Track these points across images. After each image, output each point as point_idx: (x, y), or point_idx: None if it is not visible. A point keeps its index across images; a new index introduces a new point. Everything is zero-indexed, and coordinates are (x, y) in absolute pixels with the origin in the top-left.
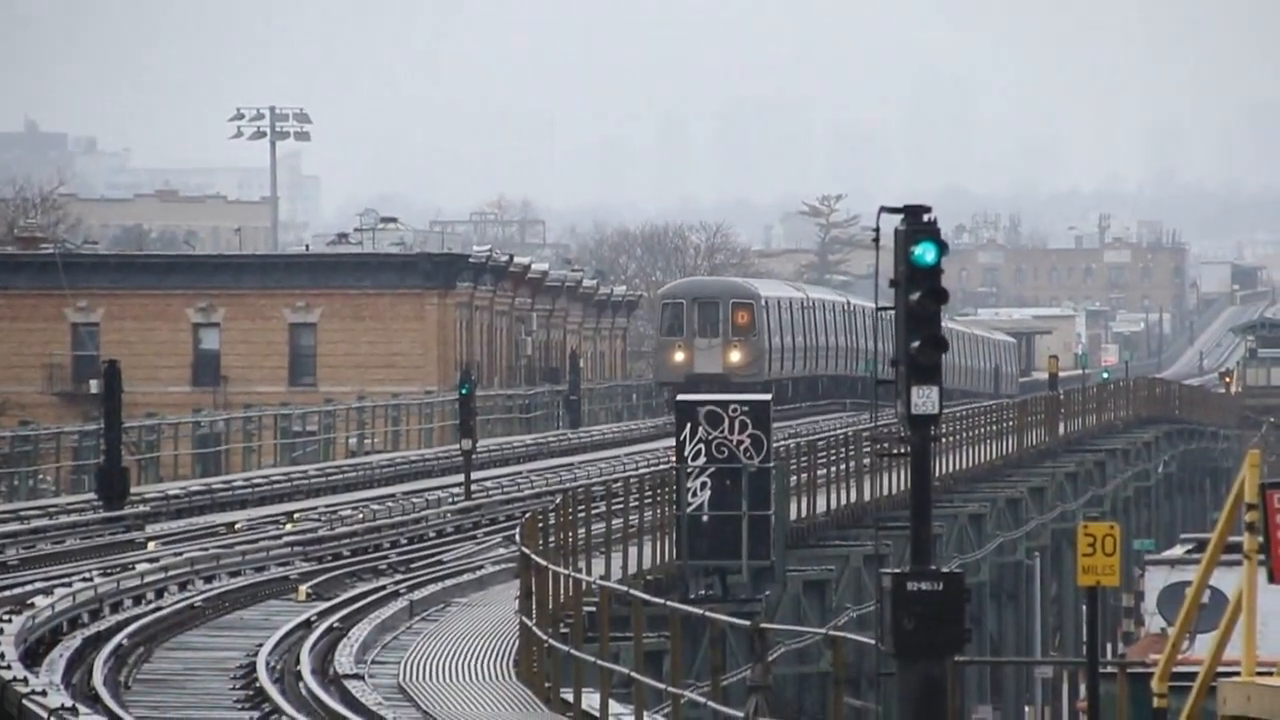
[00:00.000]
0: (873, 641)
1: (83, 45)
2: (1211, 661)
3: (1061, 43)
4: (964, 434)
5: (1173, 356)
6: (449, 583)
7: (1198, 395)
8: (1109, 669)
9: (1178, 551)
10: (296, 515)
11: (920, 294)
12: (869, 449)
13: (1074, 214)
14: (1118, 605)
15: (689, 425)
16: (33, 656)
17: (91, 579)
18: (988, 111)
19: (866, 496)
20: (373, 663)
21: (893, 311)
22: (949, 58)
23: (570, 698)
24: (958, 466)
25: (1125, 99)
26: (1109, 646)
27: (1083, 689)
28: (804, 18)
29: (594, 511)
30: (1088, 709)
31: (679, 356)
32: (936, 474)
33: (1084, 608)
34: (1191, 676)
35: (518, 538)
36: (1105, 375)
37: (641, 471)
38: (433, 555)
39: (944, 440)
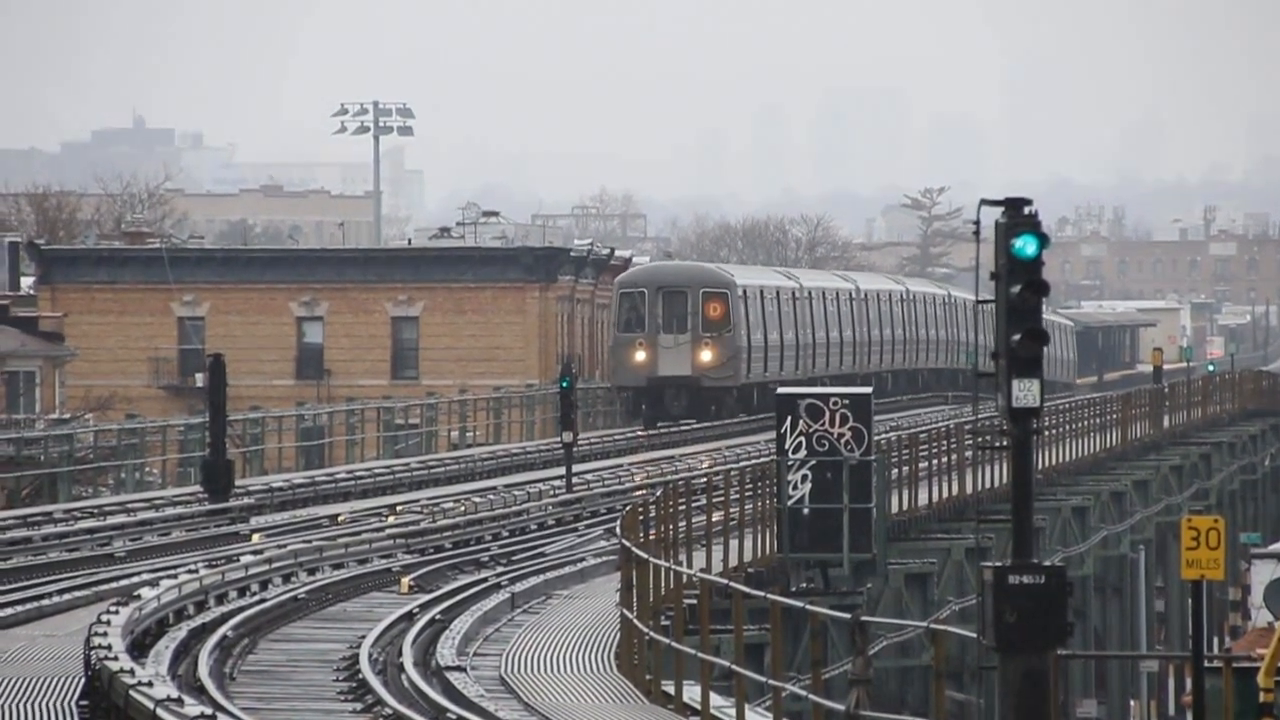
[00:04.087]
0: (974, 635)
1: (190, 42)
2: None
3: (1164, 31)
4: (1067, 427)
5: None
6: (550, 575)
7: None
8: (1214, 663)
9: None
10: (399, 508)
11: (1021, 287)
12: (970, 442)
13: (1179, 206)
14: (1224, 599)
15: (789, 418)
16: (139, 648)
17: (197, 571)
18: (1091, 102)
19: (968, 489)
20: (475, 655)
21: (993, 304)
22: (1050, 47)
23: (671, 690)
24: (1061, 459)
25: (1229, 88)
26: (1214, 641)
27: (1188, 683)
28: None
29: (694, 504)
30: (1193, 704)
31: (639, 356)
32: (1039, 467)
33: (1189, 602)
34: None
35: (618, 530)
36: (1211, 368)
37: (742, 464)
38: (534, 548)
39: (1046, 433)
